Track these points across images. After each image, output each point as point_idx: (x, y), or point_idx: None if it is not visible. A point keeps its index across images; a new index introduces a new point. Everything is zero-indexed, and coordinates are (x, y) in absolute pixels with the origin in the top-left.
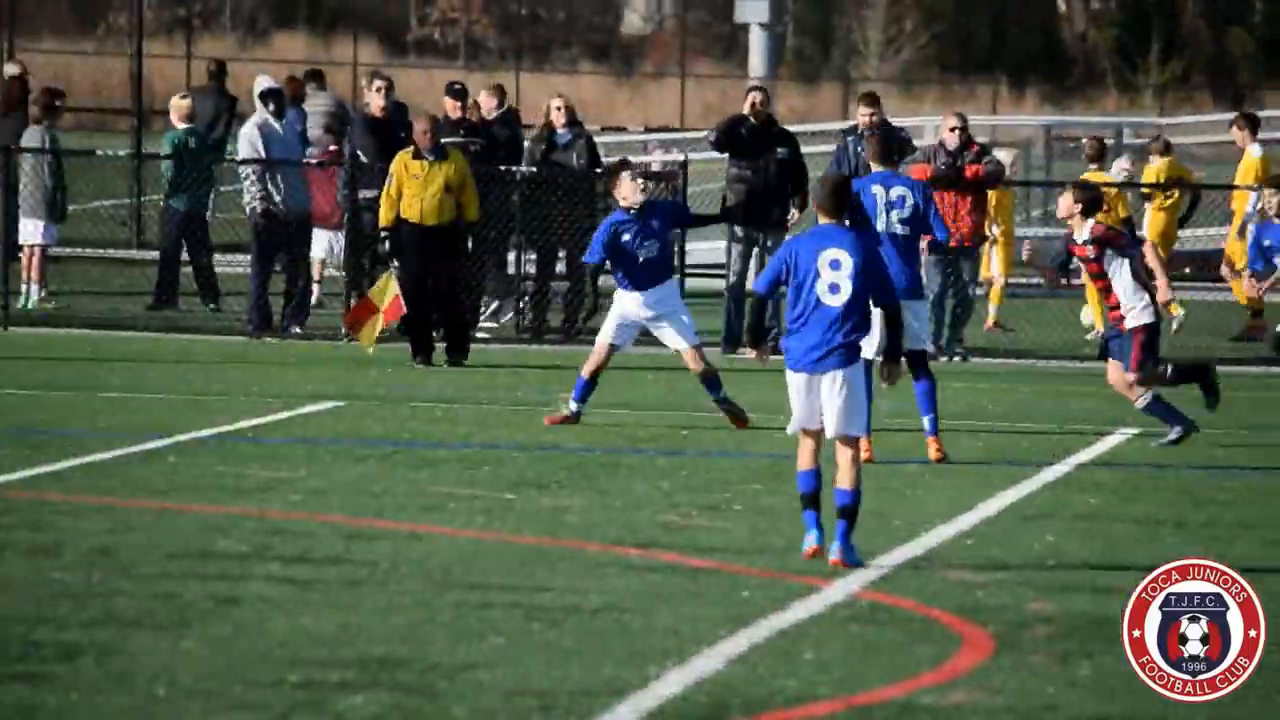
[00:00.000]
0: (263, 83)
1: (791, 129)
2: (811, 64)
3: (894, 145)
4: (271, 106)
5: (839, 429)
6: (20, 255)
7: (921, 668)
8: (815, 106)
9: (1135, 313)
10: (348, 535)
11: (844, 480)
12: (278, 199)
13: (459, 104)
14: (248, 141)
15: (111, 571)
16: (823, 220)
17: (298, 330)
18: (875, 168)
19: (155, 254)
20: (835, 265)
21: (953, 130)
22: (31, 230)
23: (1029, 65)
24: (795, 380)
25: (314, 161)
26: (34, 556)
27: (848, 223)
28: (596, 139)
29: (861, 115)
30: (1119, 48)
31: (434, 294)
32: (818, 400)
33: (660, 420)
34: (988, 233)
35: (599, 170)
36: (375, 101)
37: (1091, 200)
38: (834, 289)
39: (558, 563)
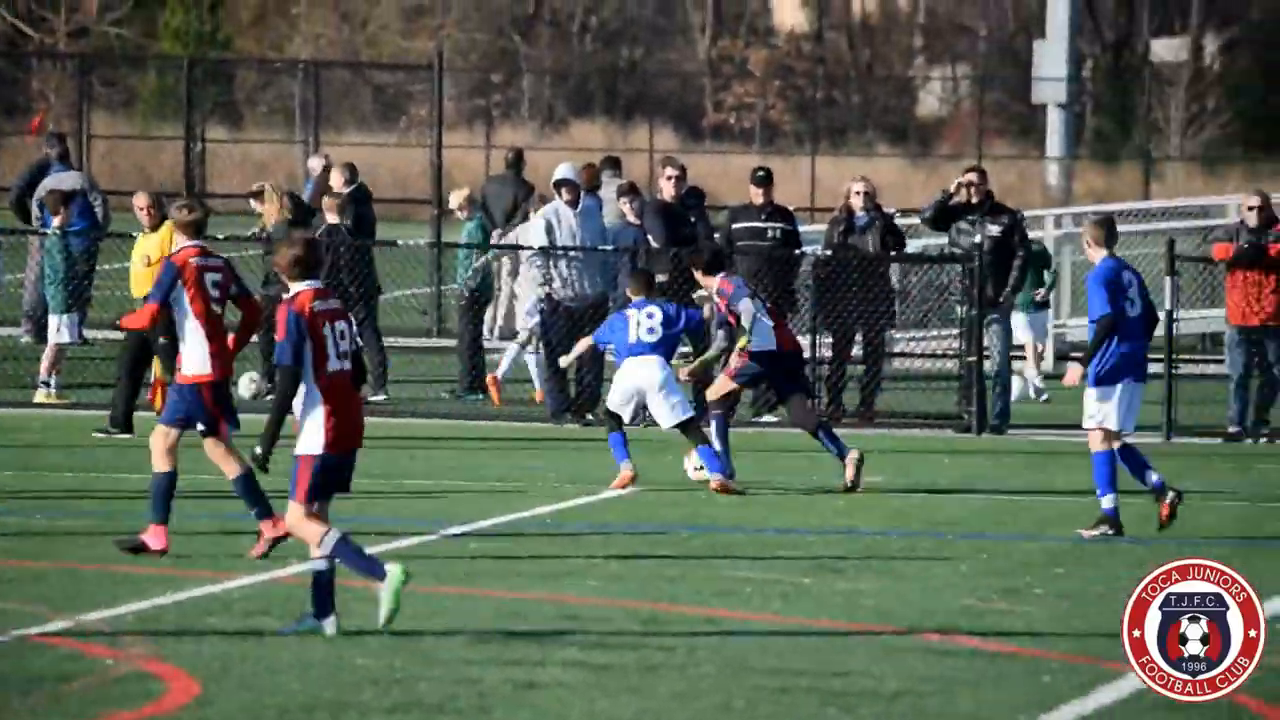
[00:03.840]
0: (560, 171)
1: (1089, 208)
2: (1111, 143)
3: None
4: (565, 195)
5: None
6: None
7: None
8: (1115, 186)
9: None
10: (645, 620)
11: None
12: (556, 285)
13: (760, 190)
14: (535, 229)
15: (413, 657)
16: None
17: (590, 416)
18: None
19: (454, 341)
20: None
21: (1253, 209)
22: None
23: None
24: None
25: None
26: (337, 642)
27: None
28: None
29: None
30: None
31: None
32: None
33: (959, 503)
34: None
35: (894, 253)
36: (666, 188)
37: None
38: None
39: (855, 646)
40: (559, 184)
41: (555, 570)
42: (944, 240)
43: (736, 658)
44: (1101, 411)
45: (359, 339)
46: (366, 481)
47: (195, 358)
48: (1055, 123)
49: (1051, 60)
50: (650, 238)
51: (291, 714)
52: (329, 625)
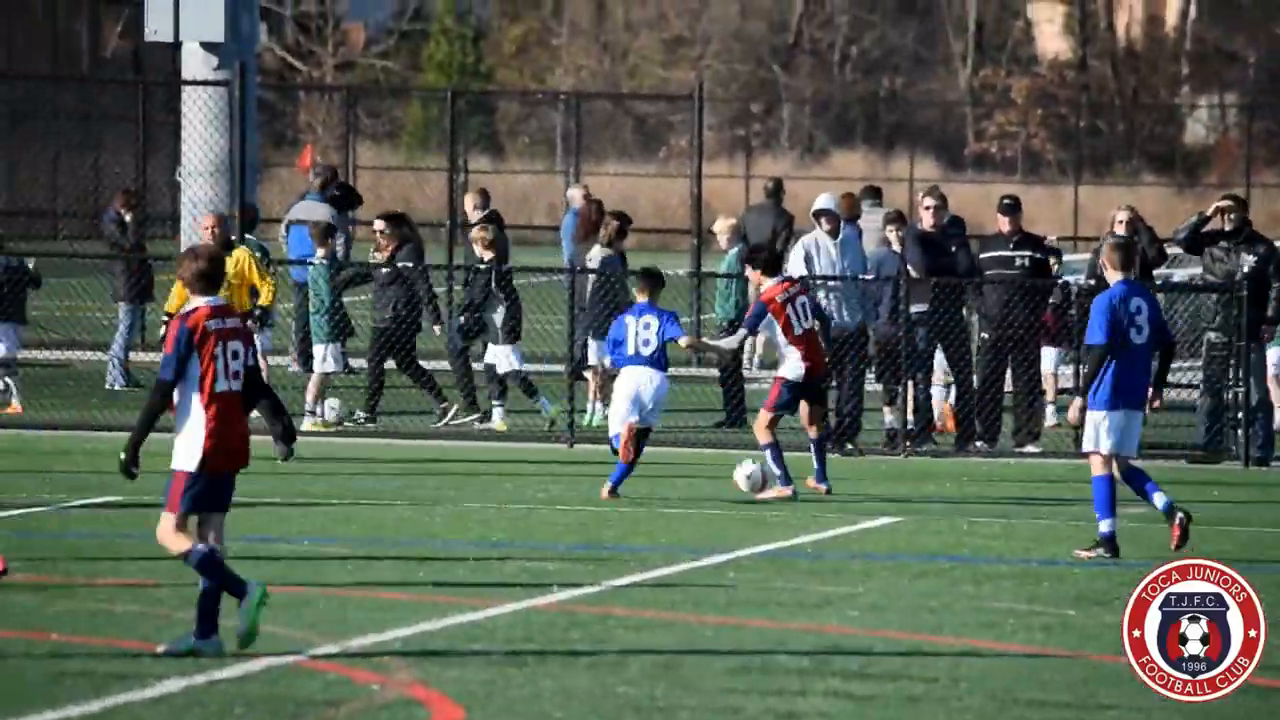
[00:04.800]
0: (819, 201)
1: None
2: None
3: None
4: (825, 224)
5: None
6: (586, 375)
7: None
8: None
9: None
10: (906, 651)
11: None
12: None
13: (1007, 218)
14: (795, 258)
15: (674, 685)
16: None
17: (850, 446)
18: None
19: (714, 371)
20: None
21: None
22: (598, 350)
23: None
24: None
25: (869, 277)
26: (599, 670)
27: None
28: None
29: None
30: None
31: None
32: None
33: (1226, 536)
34: None
35: (1155, 279)
36: (926, 217)
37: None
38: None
39: (1121, 681)
40: (818, 214)
41: (815, 600)
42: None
43: (1000, 689)
44: (1097, 436)
45: (258, 358)
46: (628, 509)
47: None
48: None
49: None
50: (910, 267)
51: None
52: (211, 645)
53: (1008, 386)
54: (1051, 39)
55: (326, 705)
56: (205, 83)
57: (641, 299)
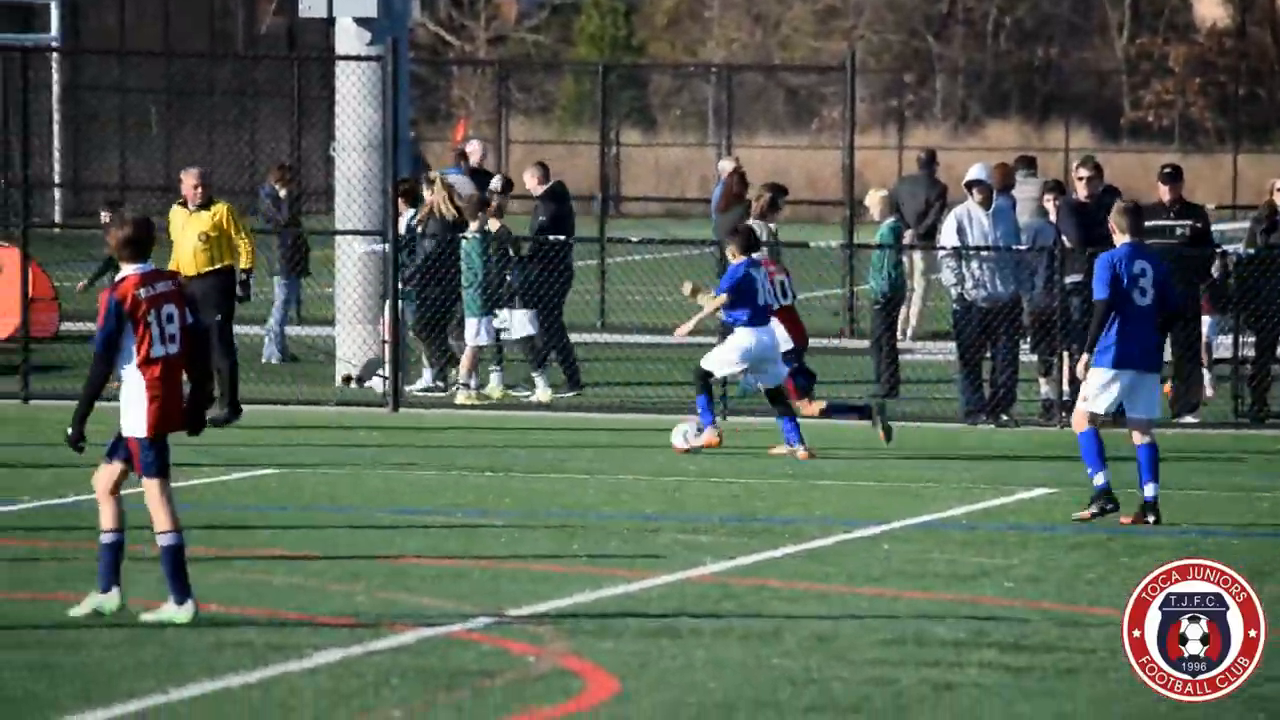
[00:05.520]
0: (972, 172)
1: None
2: None
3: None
4: (977, 195)
5: None
6: None
7: None
8: None
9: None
10: (1063, 622)
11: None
12: (968, 285)
13: (1168, 187)
14: (947, 229)
15: (829, 657)
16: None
17: (1005, 417)
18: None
19: (864, 343)
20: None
21: None
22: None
23: None
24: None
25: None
26: (753, 642)
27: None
28: None
29: None
30: None
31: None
32: None
33: None
34: None
35: None
36: (1080, 188)
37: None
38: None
39: (1276, 656)
40: (971, 184)
41: (970, 571)
42: None
43: None
44: (1092, 394)
45: (196, 317)
46: (781, 481)
47: None
48: None
49: None
50: (1064, 238)
51: (709, 712)
52: (109, 599)
53: (1166, 356)
54: (1209, 6)
55: (481, 676)
56: (358, 58)
57: (742, 257)
